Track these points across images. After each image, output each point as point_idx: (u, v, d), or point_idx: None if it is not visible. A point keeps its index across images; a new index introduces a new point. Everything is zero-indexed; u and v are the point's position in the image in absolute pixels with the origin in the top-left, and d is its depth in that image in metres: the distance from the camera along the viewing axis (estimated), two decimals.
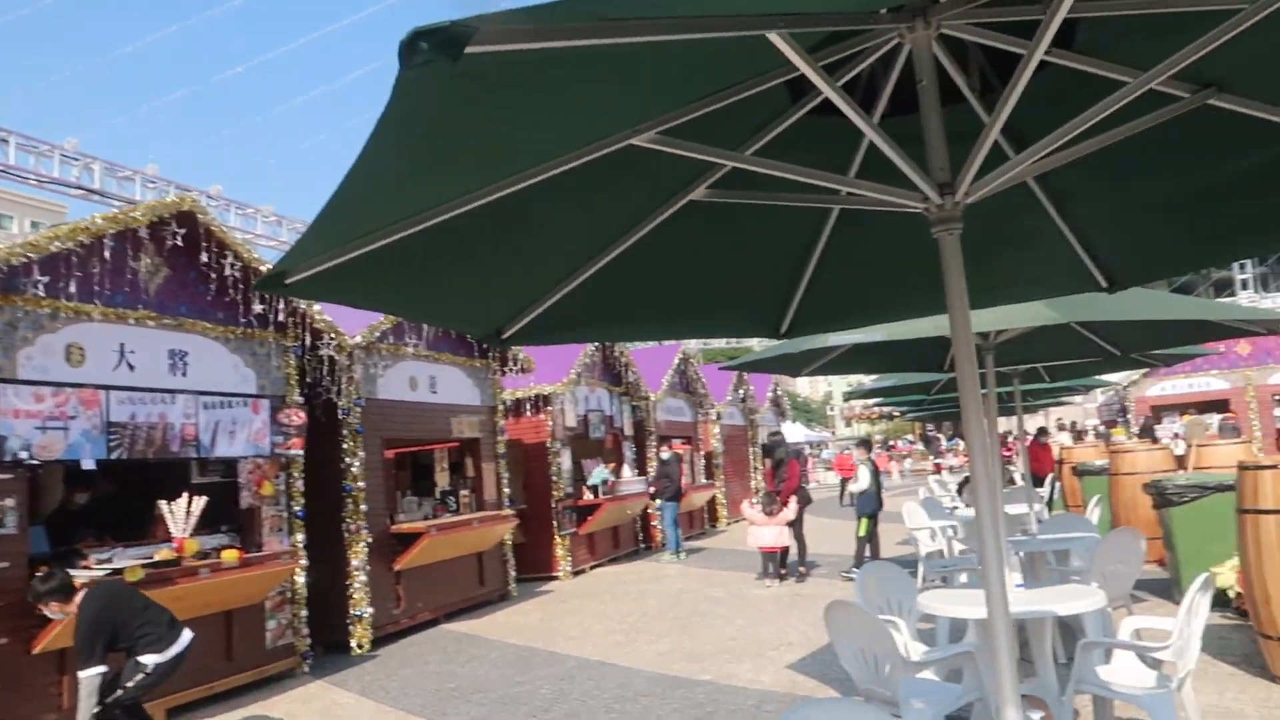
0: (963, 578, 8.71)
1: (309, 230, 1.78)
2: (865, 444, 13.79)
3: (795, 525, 11.86)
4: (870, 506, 11.92)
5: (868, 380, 10.28)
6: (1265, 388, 29.62)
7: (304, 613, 8.55)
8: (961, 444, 42.56)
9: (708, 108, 2.18)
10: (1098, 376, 12.00)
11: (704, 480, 19.52)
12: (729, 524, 20.64)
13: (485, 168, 1.98)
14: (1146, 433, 26.53)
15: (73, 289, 6.86)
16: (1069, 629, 6.23)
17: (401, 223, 2.11)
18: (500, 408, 12.58)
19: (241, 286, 8.27)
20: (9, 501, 6.29)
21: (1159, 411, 30.32)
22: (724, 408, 21.34)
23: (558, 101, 1.89)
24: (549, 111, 1.87)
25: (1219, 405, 29.35)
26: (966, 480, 16.36)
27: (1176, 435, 25.03)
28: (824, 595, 10.32)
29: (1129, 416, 30.53)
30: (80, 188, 15.43)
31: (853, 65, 2.37)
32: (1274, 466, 5.72)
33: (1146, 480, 9.45)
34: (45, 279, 6.62)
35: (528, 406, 13.73)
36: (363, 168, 1.59)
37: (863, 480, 12.17)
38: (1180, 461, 11.74)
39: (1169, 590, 8.57)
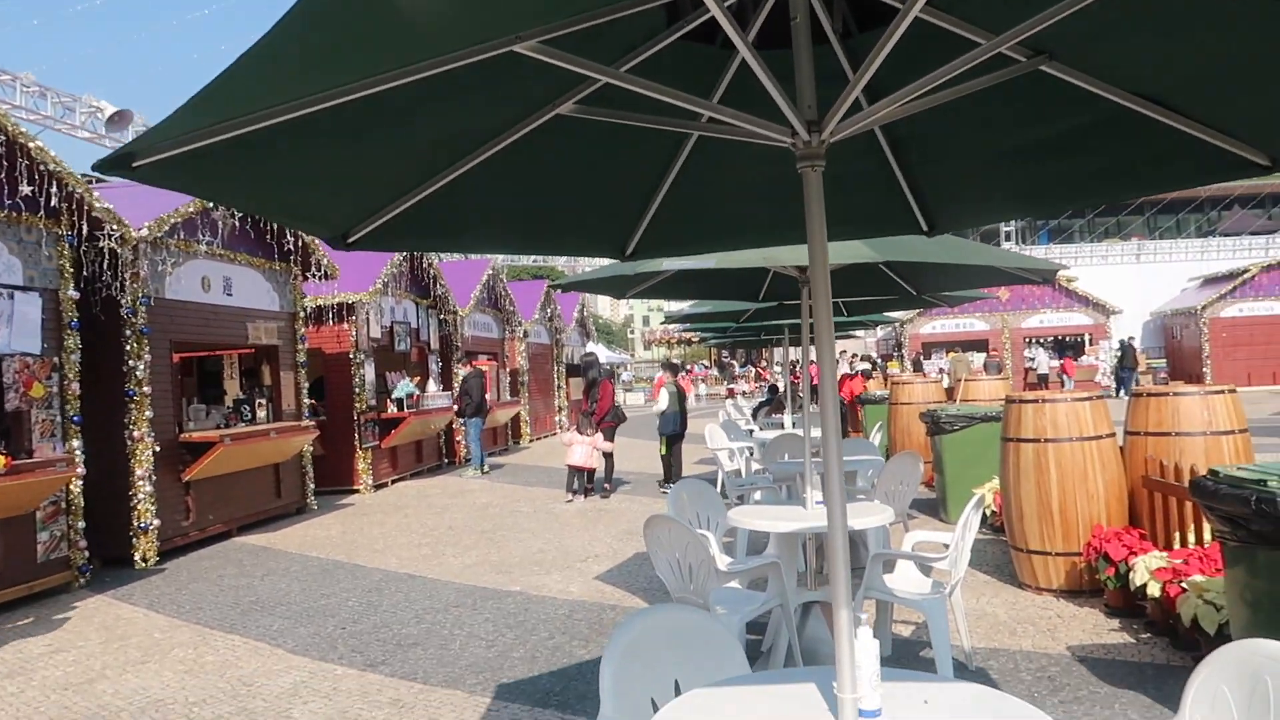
0: (757, 495, 9.28)
1: (177, 111, 1.63)
2: (671, 367, 14.21)
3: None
4: (671, 427, 12.38)
5: (686, 305, 10.55)
6: (1019, 330, 32.90)
7: (81, 524, 7.96)
8: (753, 370, 44.69)
9: (589, 23, 2.14)
10: (886, 313, 12.89)
11: (509, 397, 19.53)
12: (532, 441, 20.84)
13: (366, 58, 1.87)
14: (916, 367, 28.84)
15: None
16: (853, 542, 6.79)
17: (264, 111, 1.96)
18: (301, 315, 12.00)
19: (5, 164, 7.40)
20: None
21: (928, 348, 33.09)
22: (531, 326, 21.33)
23: None
24: (443, 5, 1.78)
25: (979, 345, 32.39)
26: (761, 405, 17.27)
27: (941, 370, 27.45)
28: (627, 510, 10.71)
29: (903, 351, 33.12)
30: None
31: None
32: (1035, 401, 6.42)
33: (921, 410, 10.34)
34: None
35: (330, 315, 13.18)
36: (254, 53, 1.47)
37: (662, 402, 12.59)
38: (949, 394, 12.90)
39: (935, 508, 9.49)
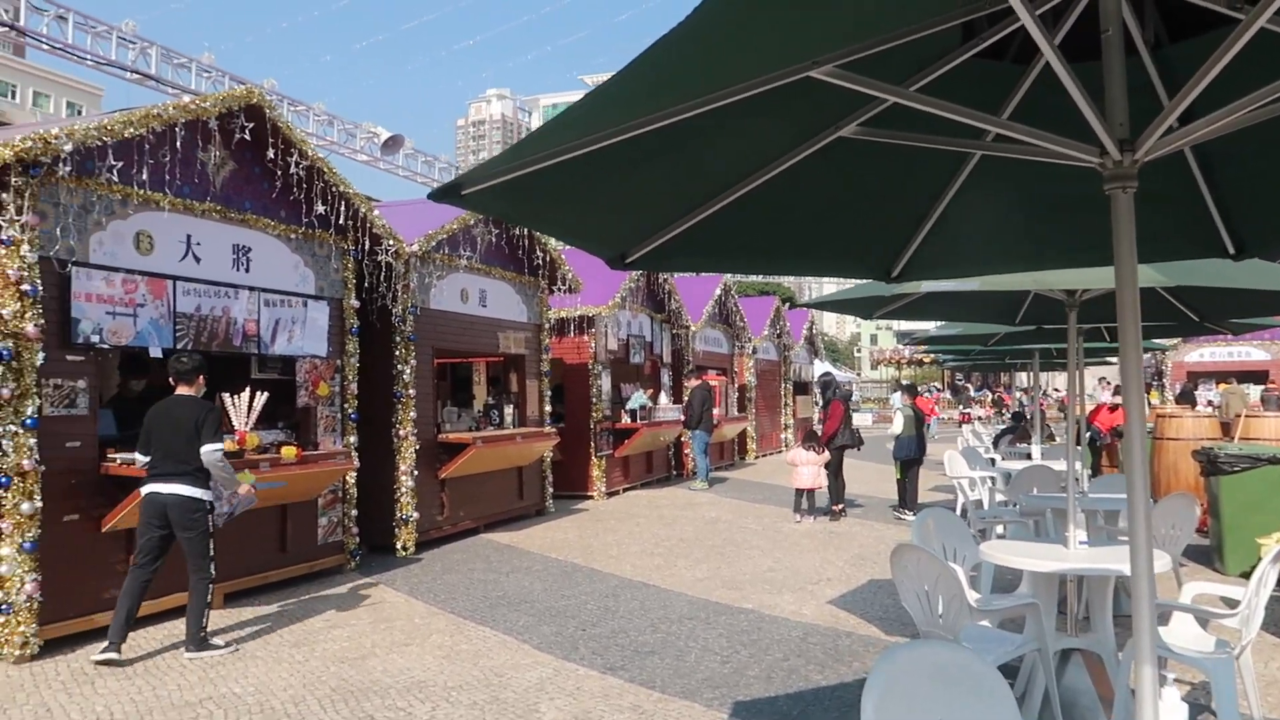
0: (1000, 529, 8.78)
1: (504, 152, 1.79)
2: (909, 389, 13.72)
3: (833, 467, 11.92)
4: (906, 451, 11.95)
5: (927, 325, 10.18)
6: None
7: (354, 512, 8.76)
8: (989, 395, 42.41)
9: (887, 45, 2.12)
10: (1152, 340, 11.84)
11: (736, 413, 19.61)
12: (758, 457, 20.80)
13: (671, 90, 1.94)
14: (1186, 398, 26.24)
15: (144, 176, 6.86)
16: (1117, 589, 6.27)
17: (571, 144, 2.09)
18: (546, 326, 12.63)
19: (305, 186, 8.26)
20: (80, 383, 6.41)
21: (1194, 377, 30.04)
22: (760, 342, 21.33)
23: (752, 24, 1.85)
24: (747, 31, 1.83)
25: (1257, 376, 29.01)
26: (1004, 432, 16.33)
27: (1210, 403, 24.85)
28: (858, 535, 10.45)
29: (1164, 380, 30.27)
30: (136, 71, 15.31)
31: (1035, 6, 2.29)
32: None
33: (1193, 446, 9.40)
34: (118, 164, 6.62)
35: (572, 327, 13.78)
36: (577, 106, 1.58)
37: (897, 425, 12.19)
38: (1225, 430, 11.65)
39: (1209, 557, 8.59)
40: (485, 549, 9.82)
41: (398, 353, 9.57)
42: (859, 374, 69.95)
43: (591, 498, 13.64)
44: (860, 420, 37.46)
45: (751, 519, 11.84)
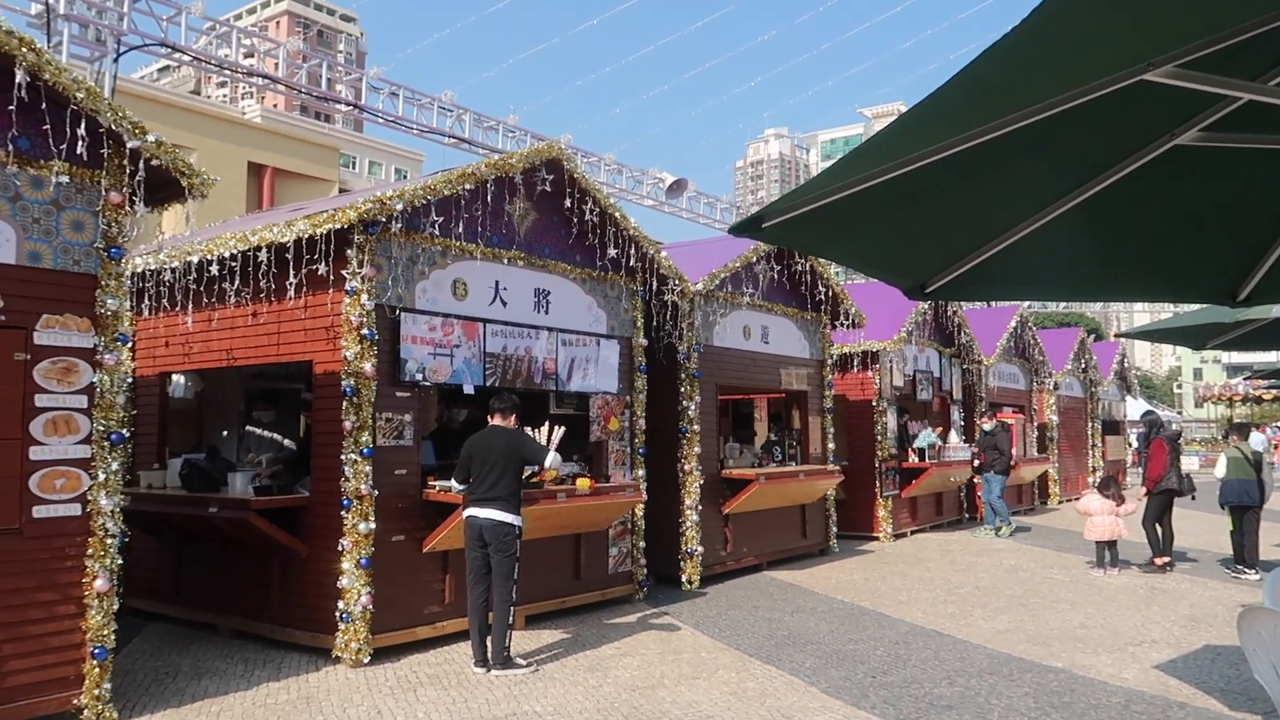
0: None
1: (810, 181, 1.77)
2: (1239, 428, 12.06)
3: (1154, 513, 10.70)
4: (1235, 497, 10.44)
5: (1275, 357, 8.93)
6: None
7: (641, 544, 9.03)
8: None
9: (1239, 38, 1.87)
10: None
11: (1036, 454, 18.21)
12: (1061, 502, 19.16)
13: (981, 110, 1.83)
14: None
15: (460, 229, 7.55)
16: None
17: (871, 172, 2.03)
18: (828, 362, 12.43)
19: (598, 231, 8.70)
20: (407, 417, 7.11)
21: None
22: (1062, 377, 19.72)
23: (1073, 33, 1.70)
24: (1068, 41, 1.68)
25: None
26: None
27: None
28: (1188, 592, 9.30)
29: None
30: (452, 136, 17.03)
31: None
32: None
33: None
34: (439, 219, 7.32)
35: (855, 362, 13.47)
36: (873, 139, 1.52)
37: (1220, 468, 10.76)
38: None
39: None
40: (768, 586, 9.75)
41: (683, 389, 9.80)
42: (1180, 412, 62.73)
43: (877, 539, 13.16)
44: (1186, 464, 33.51)
45: (1056, 568, 10.88)
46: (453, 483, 6.78)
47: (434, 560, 7.15)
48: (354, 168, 52.64)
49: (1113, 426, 23.42)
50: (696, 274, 10.03)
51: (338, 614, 6.49)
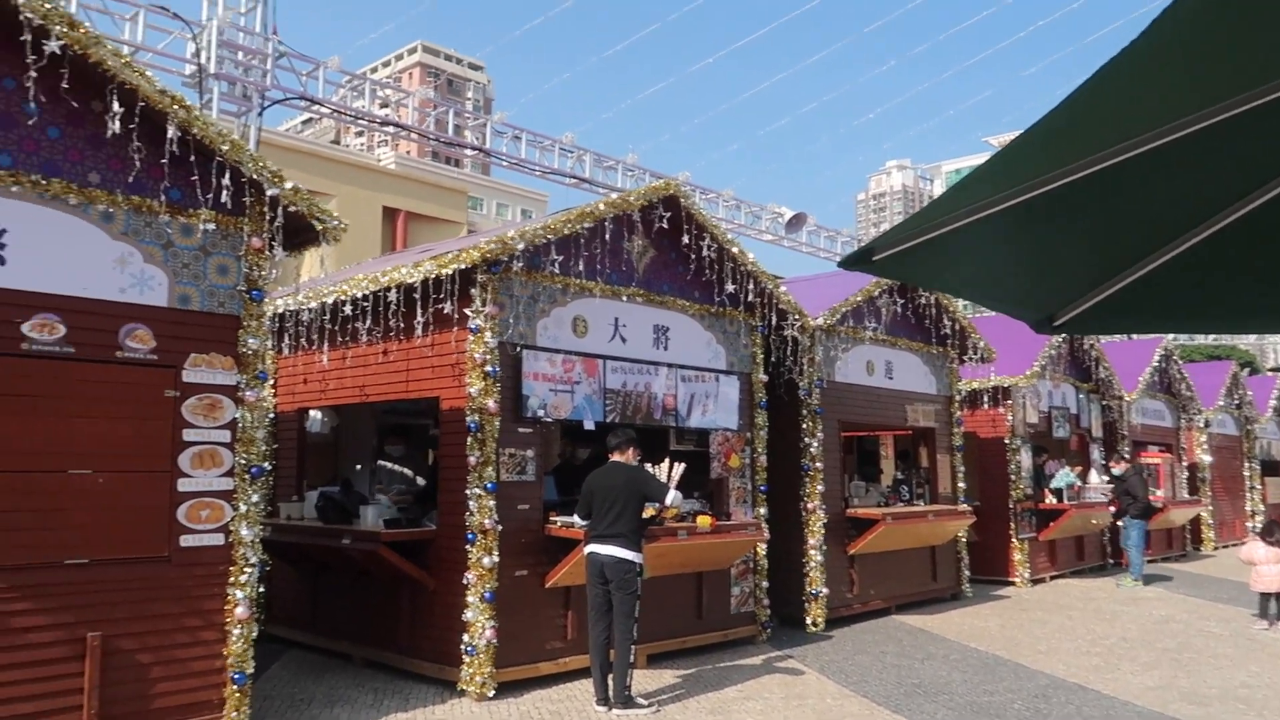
0: None
1: (923, 209, 1.70)
2: None
3: None
4: None
5: None
6: None
7: (764, 584, 8.85)
8: None
9: None
10: None
11: (1186, 496, 17.05)
12: (1216, 548, 17.86)
13: (1110, 128, 1.72)
14: None
15: (580, 267, 7.65)
16: None
17: (988, 199, 1.93)
18: (957, 398, 12.00)
19: (716, 267, 8.67)
20: (529, 452, 7.20)
21: None
22: (1214, 414, 18.46)
23: (1217, 40, 1.58)
24: (1211, 49, 1.56)
25: None
26: None
27: None
28: None
29: None
30: (573, 176, 17.40)
31: None
32: None
33: None
34: (559, 258, 7.44)
35: (985, 399, 12.94)
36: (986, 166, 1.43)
37: None
38: None
39: None
40: (897, 631, 9.38)
41: (804, 425, 9.61)
42: None
43: (1013, 584, 12.52)
44: None
45: (1213, 621, 10.11)
46: (574, 518, 6.82)
47: (556, 596, 7.18)
48: (482, 209, 54.45)
49: (1273, 467, 21.76)
50: (817, 308, 9.86)
51: (463, 647, 6.58)
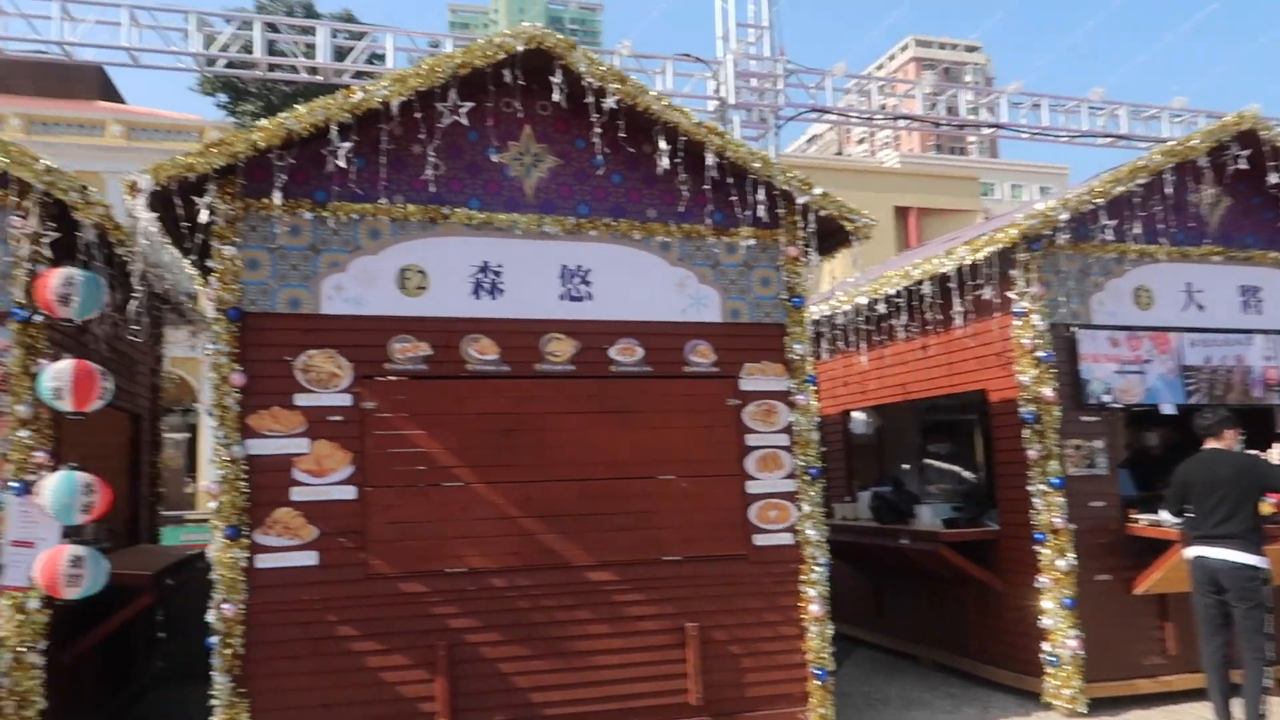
0: None
1: None
2: None
3: None
4: None
5: None
6: None
7: None
8: None
9: None
10: None
11: None
12: None
13: None
14: None
15: (1137, 230, 6.73)
16: None
17: None
18: None
19: None
20: (1098, 443, 6.47)
21: None
22: None
23: None
24: None
25: None
26: None
27: None
28: None
29: None
30: (1107, 135, 15.56)
31: None
32: None
33: None
34: (1110, 223, 6.62)
35: None
36: None
37: None
38: None
39: None
40: None
41: None
42: None
43: None
44: None
45: None
46: (1164, 515, 5.93)
47: (1147, 604, 6.31)
48: (994, 194, 51.72)
49: None
50: None
51: (1043, 656, 6.07)
